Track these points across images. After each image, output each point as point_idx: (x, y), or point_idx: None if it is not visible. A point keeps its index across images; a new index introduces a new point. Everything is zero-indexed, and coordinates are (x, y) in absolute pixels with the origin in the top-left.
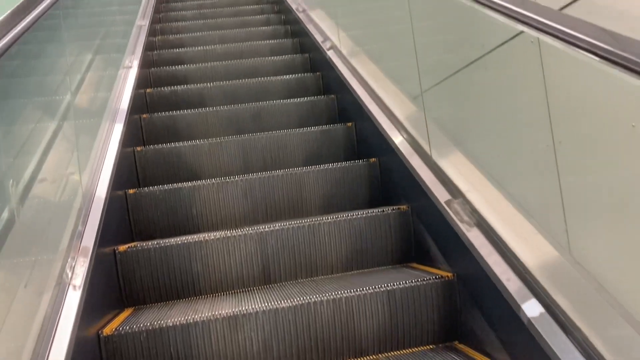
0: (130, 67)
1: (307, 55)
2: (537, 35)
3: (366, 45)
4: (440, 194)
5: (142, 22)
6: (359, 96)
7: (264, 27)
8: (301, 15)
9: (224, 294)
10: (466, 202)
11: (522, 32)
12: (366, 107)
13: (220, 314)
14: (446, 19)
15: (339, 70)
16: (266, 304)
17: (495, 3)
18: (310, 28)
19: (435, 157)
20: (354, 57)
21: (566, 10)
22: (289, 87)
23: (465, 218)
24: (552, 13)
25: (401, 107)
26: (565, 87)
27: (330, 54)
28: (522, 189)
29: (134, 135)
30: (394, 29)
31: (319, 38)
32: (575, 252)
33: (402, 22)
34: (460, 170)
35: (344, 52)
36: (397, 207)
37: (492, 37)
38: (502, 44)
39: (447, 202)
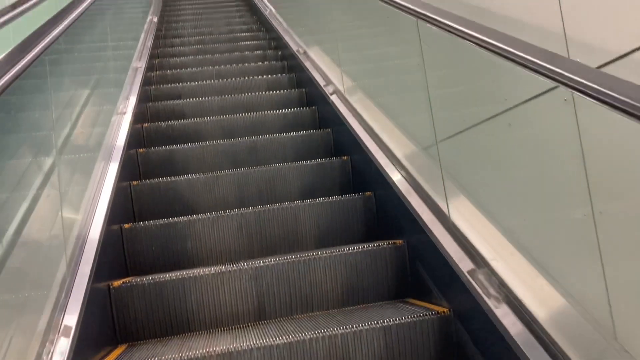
0: (127, 102)
1: (303, 89)
2: (572, 94)
3: (365, 83)
4: (461, 261)
5: (139, 64)
6: (363, 143)
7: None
8: (301, 57)
9: (218, 330)
10: (492, 274)
11: (552, 88)
12: (366, 147)
13: (214, 351)
14: (463, 69)
15: (347, 121)
16: (261, 341)
17: (522, 57)
18: (308, 65)
19: (453, 216)
20: (358, 102)
21: (606, 69)
22: (286, 121)
23: (493, 292)
24: (590, 71)
25: (401, 146)
26: (606, 151)
27: (334, 98)
28: (556, 262)
29: (130, 169)
30: (403, 70)
31: (320, 81)
32: (622, 338)
33: (414, 66)
34: (479, 230)
35: (348, 97)
36: (392, 241)
37: (517, 92)
38: (528, 100)
39: (470, 272)
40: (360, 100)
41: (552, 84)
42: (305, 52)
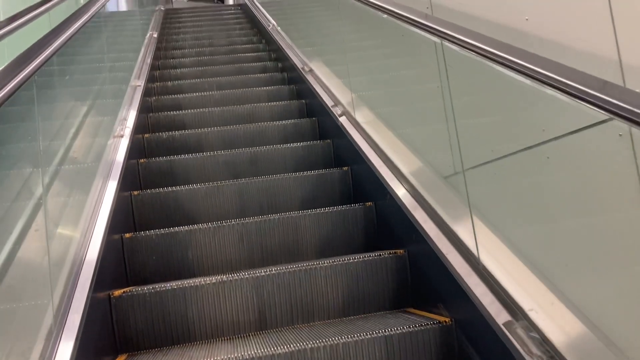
0: (128, 112)
1: (303, 101)
2: (630, 127)
3: (373, 101)
4: (468, 276)
5: (138, 83)
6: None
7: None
8: (306, 74)
9: (219, 340)
10: (532, 329)
11: (604, 121)
12: (370, 161)
13: None
14: (493, 94)
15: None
16: (262, 350)
17: (566, 85)
18: (310, 79)
19: (483, 258)
20: (368, 125)
21: None
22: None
23: (535, 351)
24: None
25: (406, 162)
26: None
27: (343, 120)
28: (611, 319)
29: (131, 179)
30: (421, 92)
31: (327, 101)
32: None
33: (434, 88)
34: (511, 273)
35: (359, 119)
36: (393, 251)
37: (558, 123)
38: (572, 132)
39: (507, 324)
40: (365, 117)
41: (604, 115)
42: (311, 70)
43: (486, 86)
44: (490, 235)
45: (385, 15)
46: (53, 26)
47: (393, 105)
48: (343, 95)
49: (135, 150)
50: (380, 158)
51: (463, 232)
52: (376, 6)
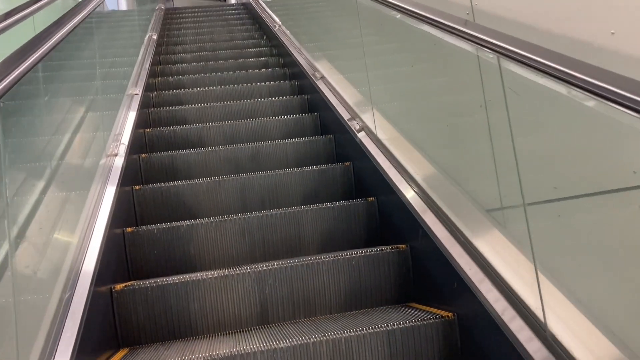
0: (129, 108)
1: (305, 97)
2: None
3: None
4: (472, 274)
5: (136, 91)
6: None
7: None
8: (318, 82)
9: (221, 334)
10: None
11: None
12: (373, 157)
13: (217, 354)
14: (568, 124)
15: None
16: (264, 344)
17: None
18: (321, 86)
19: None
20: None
21: None
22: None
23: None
24: None
25: (415, 164)
26: None
27: (364, 138)
28: None
29: (132, 174)
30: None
31: (335, 107)
32: None
33: (477, 107)
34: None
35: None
36: (396, 246)
37: None
38: None
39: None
40: (379, 120)
41: None
42: (322, 77)
43: (559, 115)
44: (553, 290)
45: (422, 25)
46: (38, 28)
47: (410, 110)
48: (374, 124)
49: (137, 145)
50: (391, 162)
51: (519, 285)
52: (410, 12)
